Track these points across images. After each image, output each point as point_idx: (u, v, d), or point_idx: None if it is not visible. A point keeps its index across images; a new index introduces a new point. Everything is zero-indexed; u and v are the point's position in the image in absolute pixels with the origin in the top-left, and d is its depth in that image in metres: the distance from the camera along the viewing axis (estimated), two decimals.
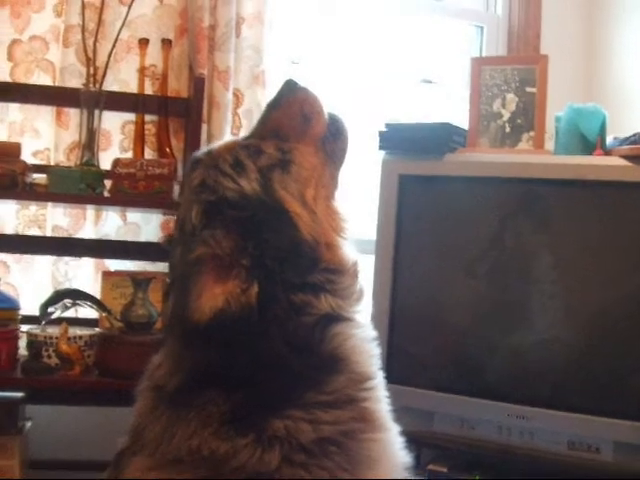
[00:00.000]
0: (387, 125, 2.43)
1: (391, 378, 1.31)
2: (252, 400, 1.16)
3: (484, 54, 3.28)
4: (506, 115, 2.44)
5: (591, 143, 2.28)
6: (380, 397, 1.26)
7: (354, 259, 1.32)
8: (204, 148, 1.37)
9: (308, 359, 1.19)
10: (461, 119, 2.53)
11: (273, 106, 1.37)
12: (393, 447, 1.24)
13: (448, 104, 3.25)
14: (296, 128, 1.33)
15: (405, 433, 1.26)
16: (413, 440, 1.30)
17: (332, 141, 1.37)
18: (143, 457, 1.19)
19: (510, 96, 2.44)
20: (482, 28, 3.32)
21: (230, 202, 1.23)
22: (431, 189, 2.36)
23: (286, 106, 1.35)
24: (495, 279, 2.29)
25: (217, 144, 1.36)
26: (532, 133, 2.40)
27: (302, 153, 1.31)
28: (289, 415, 1.15)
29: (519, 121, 2.42)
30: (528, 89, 2.42)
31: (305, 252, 1.24)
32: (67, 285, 2.69)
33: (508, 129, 2.43)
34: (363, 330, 1.29)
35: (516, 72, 2.44)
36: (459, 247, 2.32)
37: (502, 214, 2.28)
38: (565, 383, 2.17)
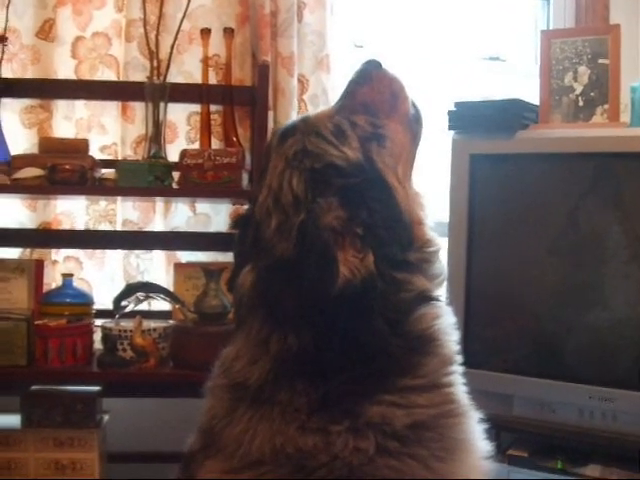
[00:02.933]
0: (456, 104, 2.37)
1: (469, 362, 1.26)
2: (346, 386, 1.11)
3: (551, 27, 3.19)
4: (579, 88, 2.36)
5: None
6: (460, 382, 1.22)
7: (438, 239, 1.29)
8: (296, 118, 1.34)
9: (404, 341, 1.15)
10: (530, 95, 2.47)
11: (361, 81, 1.31)
12: (478, 433, 1.21)
13: (516, 80, 3.17)
14: (385, 104, 1.29)
15: (484, 417, 1.23)
16: (492, 424, 1.26)
17: (416, 121, 1.32)
18: (218, 461, 1.15)
19: (582, 69, 2.36)
20: (549, 0, 3.24)
21: (338, 169, 1.18)
22: (503, 168, 2.31)
23: (376, 81, 1.30)
24: (571, 258, 2.23)
25: (311, 113, 1.32)
26: (606, 106, 2.33)
27: (393, 130, 1.27)
28: (383, 400, 1.11)
29: (592, 94, 2.35)
30: (600, 60, 2.34)
31: (405, 226, 1.20)
32: (139, 278, 2.71)
33: (581, 103, 2.36)
34: (447, 312, 1.25)
35: (587, 44, 2.36)
36: (533, 227, 2.27)
37: (577, 191, 2.21)
38: None
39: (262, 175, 1.26)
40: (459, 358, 1.23)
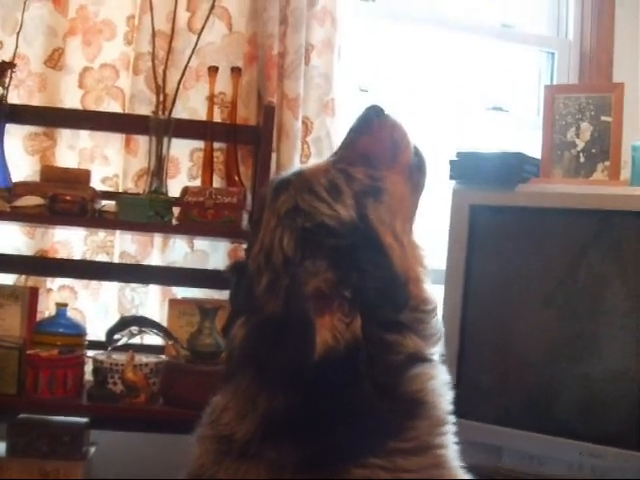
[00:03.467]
0: (458, 154, 2.39)
1: (459, 412, 1.25)
2: (332, 448, 1.09)
3: (555, 81, 3.22)
4: (580, 144, 2.38)
5: None
6: (451, 443, 1.19)
7: (434, 297, 1.26)
8: (289, 170, 1.29)
9: (392, 404, 1.12)
10: (532, 148, 2.49)
11: (361, 130, 1.29)
12: None
13: (519, 132, 3.20)
14: (386, 155, 1.26)
15: (473, 468, 1.21)
16: (481, 475, 1.25)
17: (418, 170, 1.29)
18: None
19: (585, 125, 2.38)
20: (553, 54, 3.27)
21: (328, 229, 1.15)
22: (503, 220, 2.32)
23: (376, 131, 1.28)
24: (567, 312, 2.22)
25: (306, 166, 1.30)
26: (607, 163, 2.35)
27: (393, 182, 1.24)
28: (369, 464, 1.08)
29: (594, 150, 2.37)
30: (603, 118, 2.36)
31: (399, 287, 1.17)
32: (134, 312, 2.70)
33: (582, 159, 2.37)
34: (441, 372, 1.22)
35: (591, 100, 2.38)
36: (531, 279, 2.27)
37: (575, 246, 2.22)
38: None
39: (256, 226, 1.24)
40: (451, 419, 1.20)
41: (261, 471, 1.09)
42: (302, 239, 1.15)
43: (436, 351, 1.24)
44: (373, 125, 1.28)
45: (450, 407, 1.21)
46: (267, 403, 1.11)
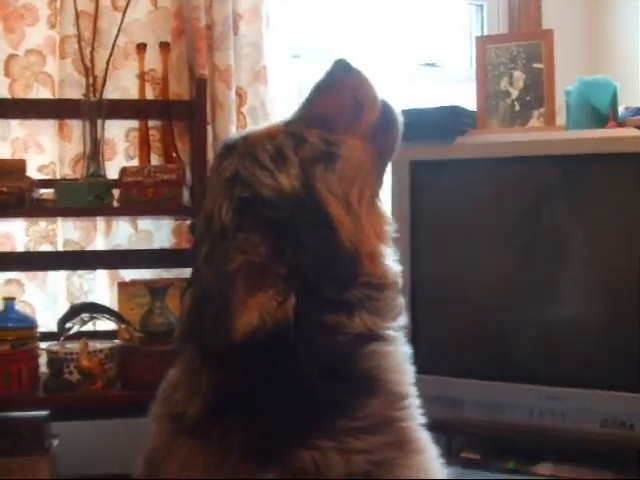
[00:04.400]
0: None
1: (418, 368, 1.23)
2: (278, 429, 1.04)
3: (486, 33, 3.23)
4: (514, 93, 2.40)
5: (603, 115, 2.25)
6: (415, 416, 1.14)
7: (396, 270, 1.19)
8: (241, 132, 1.23)
9: (340, 383, 1.07)
10: (468, 100, 2.50)
11: (322, 89, 1.20)
12: (429, 471, 1.12)
13: (454, 87, 3.20)
14: (346, 116, 1.18)
15: (435, 422, 1.19)
16: (443, 428, 1.24)
17: (384, 132, 1.20)
18: None
19: (517, 73, 2.40)
20: (482, 6, 3.28)
21: (266, 200, 1.08)
22: (444, 173, 2.33)
23: (338, 90, 1.19)
24: (515, 258, 2.26)
25: (256, 128, 1.21)
26: (542, 109, 2.37)
27: (350, 147, 1.16)
28: (318, 445, 1.03)
29: (528, 98, 2.39)
30: (535, 65, 2.39)
31: (345, 264, 1.10)
32: (83, 299, 2.66)
33: (518, 107, 2.40)
34: (398, 347, 1.15)
35: (522, 48, 2.40)
36: (477, 229, 2.30)
37: (517, 193, 2.25)
38: (596, 360, 2.15)
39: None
40: (412, 392, 1.15)
41: (210, 453, 1.05)
42: (239, 209, 1.08)
43: (394, 326, 1.17)
44: (336, 83, 1.20)
45: (410, 381, 1.15)
46: (209, 380, 1.08)
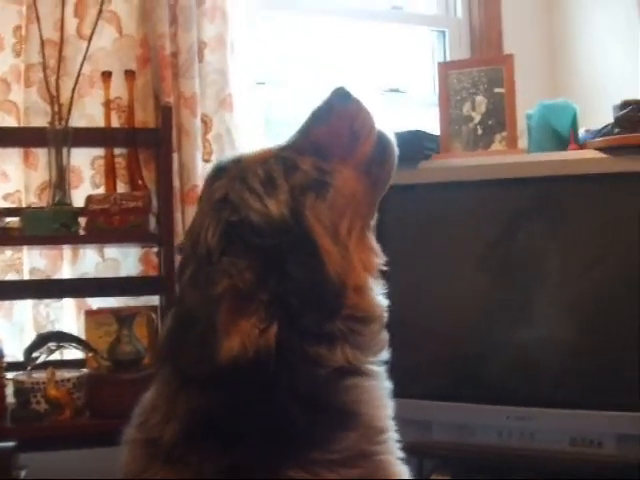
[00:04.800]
0: None
1: None
2: (252, 458, 1.02)
3: (448, 58, 3.27)
4: (477, 117, 2.43)
5: (564, 138, 2.29)
6: (393, 450, 1.12)
7: (382, 304, 1.17)
8: (233, 155, 1.19)
9: (318, 416, 1.05)
10: (432, 125, 2.52)
11: (318, 116, 1.19)
12: None
13: (416, 112, 3.24)
14: (341, 146, 1.17)
15: (404, 445, 1.18)
16: (413, 451, 1.24)
17: (378, 164, 1.19)
18: None
19: (479, 98, 2.43)
20: (444, 32, 3.32)
21: (253, 226, 1.07)
22: (408, 198, 2.33)
23: (334, 118, 1.18)
24: (482, 280, 2.28)
25: (250, 152, 1.19)
26: (504, 133, 2.40)
27: (343, 177, 1.14)
28: (291, 477, 1.02)
29: (490, 122, 2.42)
30: (496, 89, 2.42)
31: (330, 295, 1.08)
32: (50, 328, 2.63)
33: (480, 131, 2.42)
34: (378, 382, 1.14)
35: (483, 73, 2.43)
36: (443, 253, 2.31)
37: (482, 216, 2.27)
38: (563, 380, 2.17)
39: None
40: (391, 427, 1.14)
41: (187, 477, 1.04)
42: (226, 233, 1.07)
43: (377, 361, 1.15)
44: (333, 111, 1.19)
45: (389, 416, 1.14)
46: (186, 404, 1.06)
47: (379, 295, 1.18)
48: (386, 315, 1.18)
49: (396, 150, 1.23)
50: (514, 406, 2.16)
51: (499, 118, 2.40)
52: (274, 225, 1.08)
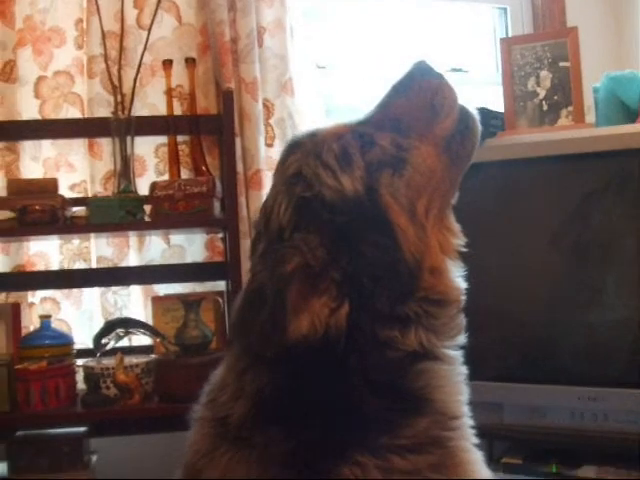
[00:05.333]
0: None
1: None
2: (319, 441, 1.00)
3: (510, 35, 3.21)
4: (542, 93, 2.38)
5: (633, 110, 2.22)
6: (467, 436, 1.08)
7: (460, 287, 1.14)
8: (308, 129, 1.16)
9: (388, 400, 1.02)
10: (496, 104, 2.48)
11: (399, 90, 1.15)
12: None
13: (480, 91, 3.19)
14: (421, 121, 1.13)
15: (475, 427, 1.15)
16: (484, 434, 1.21)
17: (459, 141, 1.15)
18: None
19: (544, 73, 2.38)
20: (505, 9, 3.26)
21: (326, 202, 1.04)
22: (474, 176, 2.29)
23: (415, 92, 1.14)
24: (551, 260, 2.23)
25: (325, 126, 1.15)
26: (570, 108, 2.35)
27: (422, 153, 1.10)
28: (360, 462, 0.99)
29: (556, 97, 2.37)
30: (561, 63, 2.37)
31: (403, 276, 1.05)
32: (118, 314, 2.68)
33: (545, 107, 2.38)
34: (454, 367, 1.11)
35: (547, 48, 2.39)
36: (510, 232, 2.27)
37: (550, 194, 2.22)
38: (637, 359, 2.10)
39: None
40: (465, 413, 1.10)
41: (251, 462, 1.02)
42: (298, 209, 1.05)
43: (452, 345, 1.12)
44: (413, 85, 1.15)
45: (464, 401, 1.11)
46: (254, 383, 1.05)
47: (457, 277, 1.14)
48: (464, 298, 1.14)
49: (479, 127, 1.19)
50: (587, 386, 2.11)
51: (565, 93, 2.35)
52: (348, 202, 1.05)
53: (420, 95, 1.14)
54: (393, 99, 1.15)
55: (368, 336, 1.03)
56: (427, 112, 1.14)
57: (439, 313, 1.09)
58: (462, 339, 1.13)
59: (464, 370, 1.13)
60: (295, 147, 1.12)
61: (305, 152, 1.09)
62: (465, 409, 1.11)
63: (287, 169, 1.10)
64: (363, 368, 1.02)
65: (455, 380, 1.10)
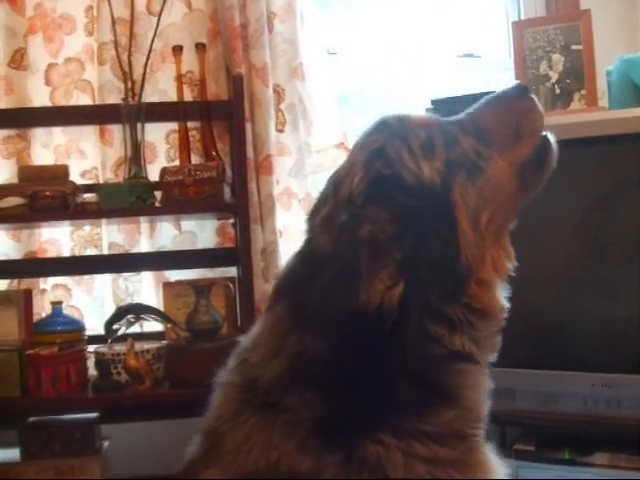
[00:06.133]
0: (433, 102, 2.36)
1: None
2: (350, 413, 1.01)
3: (522, 18, 3.18)
4: (554, 76, 2.36)
5: None
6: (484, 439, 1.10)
7: (504, 306, 1.14)
8: (398, 113, 1.17)
9: (421, 389, 1.04)
10: None
11: (490, 103, 1.20)
12: None
13: (492, 76, 3.17)
14: (502, 138, 1.16)
15: (488, 413, 1.15)
16: (497, 420, 1.20)
17: (534, 169, 1.19)
18: (216, 471, 1.05)
19: (556, 56, 2.36)
20: None
21: (404, 183, 1.07)
22: None
23: (505, 109, 1.18)
24: (564, 247, 2.21)
25: (415, 114, 1.18)
26: (583, 92, 2.33)
27: (498, 167, 1.14)
28: (384, 441, 1.00)
29: (568, 81, 2.35)
30: (574, 47, 2.35)
31: (456, 276, 1.07)
32: (129, 300, 2.69)
33: (558, 90, 2.36)
34: (487, 374, 1.13)
35: (559, 31, 2.37)
36: (524, 218, 2.24)
37: (563, 177, 2.19)
38: None
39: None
40: (485, 418, 1.11)
41: (277, 427, 1.02)
42: (374, 183, 1.07)
43: (487, 359, 1.14)
44: (505, 102, 1.20)
45: (487, 410, 1.12)
46: (295, 345, 1.05)
47: (502, 296, 1.15)
48: (505, 318, 1.14)
49: (555, 159, 1.22)
50: (600, 373, 2.10)
51: (577, 76, 2.34)
52: (423, 188, 1.07)
53: (509, 113, 1.18)
54: (483, 110, 1.20)
55: (416, 325, 1.04)
56: (511, 131, 1.17)
57: (480, 325, 1.10)
58: (495, 357, 1.15)
59: (491, 383, 1.14)
60: (383, 125, 1.14)
61: (392, 132, 1.12)
62: (486, 418, 1.12)
63: (371, 144, 1.12)
64: (404, 352, 1.03)
65: (486, 385, 1.12)
